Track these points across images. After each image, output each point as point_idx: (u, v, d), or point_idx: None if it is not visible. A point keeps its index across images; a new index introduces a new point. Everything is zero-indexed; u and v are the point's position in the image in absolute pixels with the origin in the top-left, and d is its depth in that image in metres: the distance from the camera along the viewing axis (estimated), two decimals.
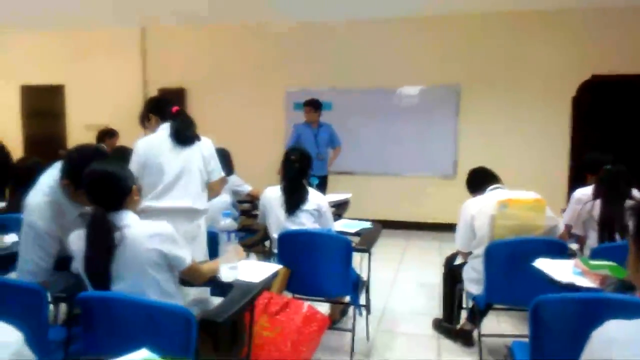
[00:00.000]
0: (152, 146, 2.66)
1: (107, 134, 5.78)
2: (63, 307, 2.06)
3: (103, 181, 1.86)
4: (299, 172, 3.21)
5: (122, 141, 5.46)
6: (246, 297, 2.02)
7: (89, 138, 7.09)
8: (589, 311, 1.82)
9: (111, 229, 1.80)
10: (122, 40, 7.47)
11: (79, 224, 2.02)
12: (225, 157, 3.82)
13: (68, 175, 2.11)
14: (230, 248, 2.20)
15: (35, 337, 1.42)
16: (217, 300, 2.08)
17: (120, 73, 7.48)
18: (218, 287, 2.13)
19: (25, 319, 1.31)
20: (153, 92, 7.49)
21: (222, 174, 2.87)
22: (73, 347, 1.96)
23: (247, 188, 4.42)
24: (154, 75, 7.50)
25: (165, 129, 2.71)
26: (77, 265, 1.92)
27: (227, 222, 2.18)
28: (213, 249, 2.19)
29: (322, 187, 5.69)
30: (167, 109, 2.77)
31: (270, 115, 7.07)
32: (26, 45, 7.83)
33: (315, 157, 5.42)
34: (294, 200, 3.15)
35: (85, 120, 7.64)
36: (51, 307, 1.98)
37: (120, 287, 1.85)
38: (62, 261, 2.13)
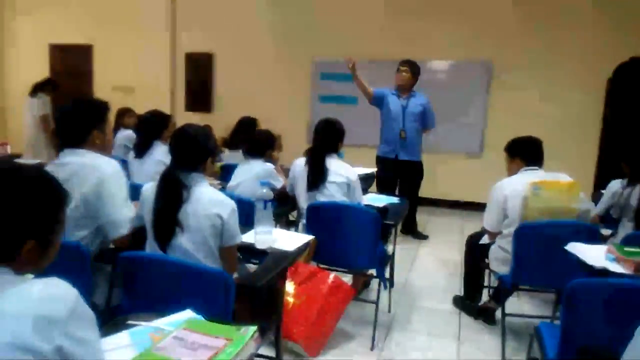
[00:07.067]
0: None
1: (125, 113, 5.38)
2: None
3: (185, 141, 2.03)
4: (320, 146, 3.17)
5: (146, 103, 5.30)
6: (281, 265, 2.06)
7: (116, 98, 7.10)
8: (625, 298, 1.81)
9: (179, 185, 1.94)
10: (152, 3, 7.42)
11: None
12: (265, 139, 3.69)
13: None
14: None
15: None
16: (252, 268, 2.12)
17: (148, 36, 7.44)
18: (253, 254, 2.17)
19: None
20: (181, 56, 7.48)
21: None
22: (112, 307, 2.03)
23: (279, 183, 3.56)
24: (182, 39, 7.46)
25: None
26: (144, 214, 2.05)
27: (264, 191, 2.20)
28: (249, 218, 2.22)
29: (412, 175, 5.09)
30: None
31: (296, 84, 7.02)
32: (55, 4, 7.82)
33: (396, 136, 5.01)
34: (314, 176, 3.11)
35: (112, 81, 7.68)
36: None
37: (181, 240, 1.97)
38: None
